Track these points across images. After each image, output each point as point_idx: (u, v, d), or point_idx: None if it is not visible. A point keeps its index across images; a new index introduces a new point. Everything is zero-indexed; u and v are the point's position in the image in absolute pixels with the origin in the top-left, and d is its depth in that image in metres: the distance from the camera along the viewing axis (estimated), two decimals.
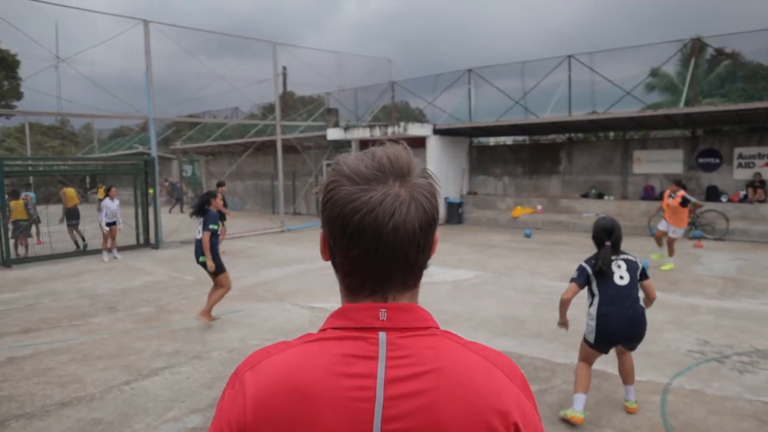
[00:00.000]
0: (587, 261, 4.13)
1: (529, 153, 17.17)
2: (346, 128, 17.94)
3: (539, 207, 15.82)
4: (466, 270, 9.88)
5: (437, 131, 16.71)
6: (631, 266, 4.02)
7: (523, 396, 0.88)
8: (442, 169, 17.02)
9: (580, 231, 14.27)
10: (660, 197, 13.95)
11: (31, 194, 14.91)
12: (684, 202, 9.38)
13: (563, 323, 4.35)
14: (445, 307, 7.35)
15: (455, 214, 16.95)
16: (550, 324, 6.36)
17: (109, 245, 12.59)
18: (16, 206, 13.17)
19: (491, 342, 5.81)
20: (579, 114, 14.42)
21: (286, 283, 9.37)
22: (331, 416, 0.81)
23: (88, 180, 34.77)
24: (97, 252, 13.11)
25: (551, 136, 18.61)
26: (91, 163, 17.28)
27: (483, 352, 0.90)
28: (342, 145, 19.47)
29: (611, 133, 17.46)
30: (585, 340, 4.14)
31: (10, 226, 12.92)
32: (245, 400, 0.84)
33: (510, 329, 6.21)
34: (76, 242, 13.70)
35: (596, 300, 4.02)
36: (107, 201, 12.43)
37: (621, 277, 3.98)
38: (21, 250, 12.96)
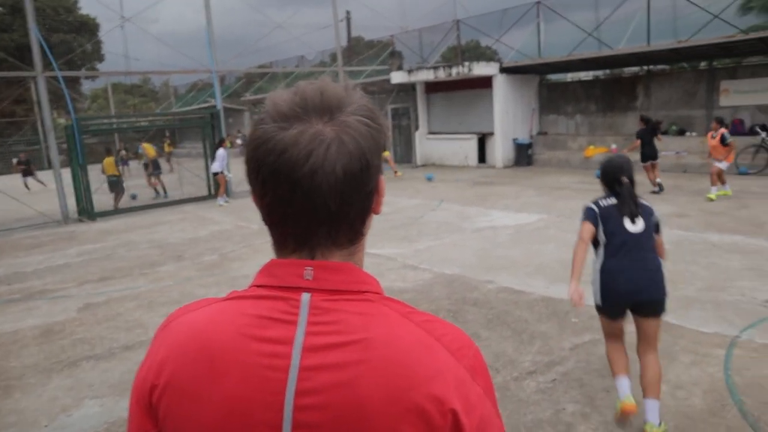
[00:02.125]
0: (594, 202, 3.32)
1: (602, 89, 16.07)
2: (410, 71, 17.48)
3: (614, 146, 14.90)
4: (529, 213, 9.54)
5: (504, 69, 15.95)
6: (646, 211, 3.22)
7: (471, 379, 0.75)
8: (510, 109, 16.33)
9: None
10: (750, 131, 12.77)
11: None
12: (723, 140, 9.63)
13: (576, 290, 3.22)
14: (503, 253, 7.14)
15: (524, 155, 16.33)
16: None
17: (212, 191, 13.65)
18: (108, 163, 14.05)
19: (547, 288, 5.60)
20: (659, 43, 13.23)
21: None
22: (238, 383, 0.72)
23: (167, 133, 36.25)
24: (173, 203, 13.78)
25: (627, 70, 17.31)
26: (161, 118, 17.85)
27: (428, 324, 0.77)
28: (406, 89, 19.07)
29: (695, 63, 16.00)
30: (596, 308, 3.39)
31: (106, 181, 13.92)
32: (155, 359, 0.78)
33: (567, 275, 5.89)
34: (156, 190, 14.43)
35: (602, 251, 3.27)
36: (221, 151, 13.19)
37: (633, 222, 3.17)
38: (116, 203, 13.86)
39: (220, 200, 13.48)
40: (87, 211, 12.61)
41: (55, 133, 12.91)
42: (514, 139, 16.46)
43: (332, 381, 0.71)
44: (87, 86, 44.38)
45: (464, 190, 12.80)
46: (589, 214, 3.30)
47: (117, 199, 13.95)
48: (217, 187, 13.70)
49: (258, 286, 0.78)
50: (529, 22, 16.39)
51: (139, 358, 4.83)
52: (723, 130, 9.73)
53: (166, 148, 26.40)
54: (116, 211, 13.14)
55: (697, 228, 7.74)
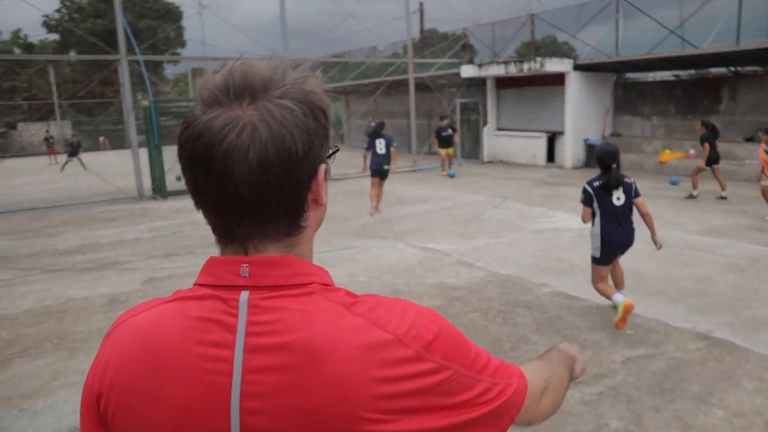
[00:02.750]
0: (588, 183, 4.64)
1: (684, 90, 15.22)
2: (481, 65, 17.20)
3: (692, 151, 14.10)
4: None
5: (578, 67, 15.40)
6: (627, 188, 4.58)
7: (425, 357, 0.70)
8: (583, 109, 15.77)
9: (739, 180, 12.55)
10: None
11: None
12: None
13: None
14: (563, 255, 6.92)
15: (594, 156, 15.74)
16: (677, 282, 5.74)
17: None
18: None
19: (600, 297, 5.37)
20: (750, 43, 12.37)
21: (406, 222, 9.41)
22: (184, 390, 0.69)
23: None
24: None
25: (712, 70, 16.33)
26: None
27: (372, 313, 0.71)
28: (476, 83, 18.77)
29: None
30: (594, 260, 4.74)
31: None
32: (101, 365, 0.75)
33: (627, 284, 5.66)
34: None
35: (598, 219, 4.63)
36: None
37: (618, 198, 4.55)
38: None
39: None
40: (160, 190, 13.22)
41: (136, 114, 13.57)
42: (585, 140, 15.90)
43: (276, 384, 0.68)
44: (169, 71, 46.34)
45: (530, 189, 12.50)
46: (586, 199, 4.65)
47: None
48: None
49: (200, 285, 0.75)
50: (608, 18, 15.73)
51: None
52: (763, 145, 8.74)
53: None
54: (187, 191, 13.67)
55: None
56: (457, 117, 18.85)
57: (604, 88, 16.25)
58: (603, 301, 5.25)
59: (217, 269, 0.74)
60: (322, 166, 0.75)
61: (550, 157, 16.73)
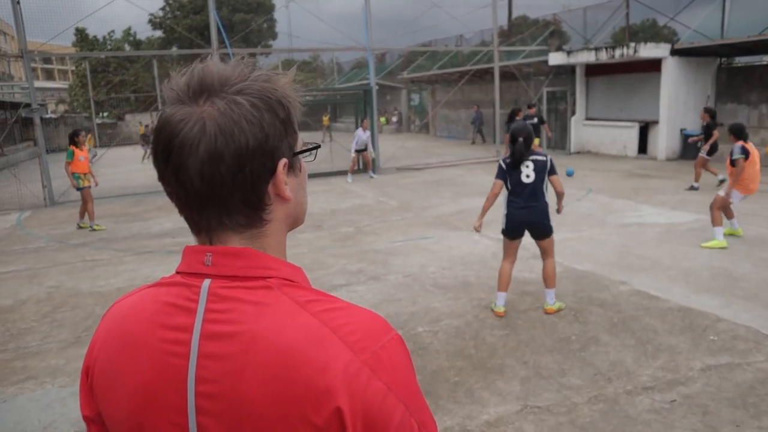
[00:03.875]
0: (503, 159, 4.84)
1: None
2: (569, 52, 16.49)
3: None
4: (685, 212, 8.61)
5: (676, 52, 14.38)
6: (539, 166, 4.65)
7: (372, 374, 0.69)
8: (680, 96, 14.74)
9: None
10: None
11: None
12: None
13: (479, 225, 5.10)
14: (646, 252, 6.52)
15: (692, 147, 14.65)
16: None
17: (360, 166, 14.31)
18: None
19: (687, 297, 5.02)
20: None
21: None
22: (147, 369, 0.75)
23: (329, 109, 38.17)
24: (328, 174, 14.56)
25: None
26: (320, 93, 18.81)
27: (327, 314, 0.72)
28: (565, 71, 18.04)
29: None
30: (502, 232, 4.92)
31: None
32: (93, 341, 0.83)
33: (716, 285, 5.26)
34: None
35: (508, 194, 4.80)
36: (359, 131, 13.71)
37: (527, 176, 4.66)
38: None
39: (349, 177, 13.86)
40: None
41: None
42: (682, 130, 14.87)
43: (223, 371, 0.70)
44: (262, 62, 48.16)
45: (617, 181, 11.88)
46: (499, 173, 4.81)
47: None
48: (364, 164, 14.23)
49: (177, 272, 0.78)
50: None
51: None
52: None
53: (325, 121, 27.87)
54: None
55: None
56: (544, 106, 18.20)
57: (705, 73, 15.09)
58: (687, 302, 4.91)
59: (188, 258, 0.78)
60: (283, 160, 0.76)
61: (642, 148, 15.80)
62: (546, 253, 4.86)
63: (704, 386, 3.51)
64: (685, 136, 14.80)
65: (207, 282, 0.74)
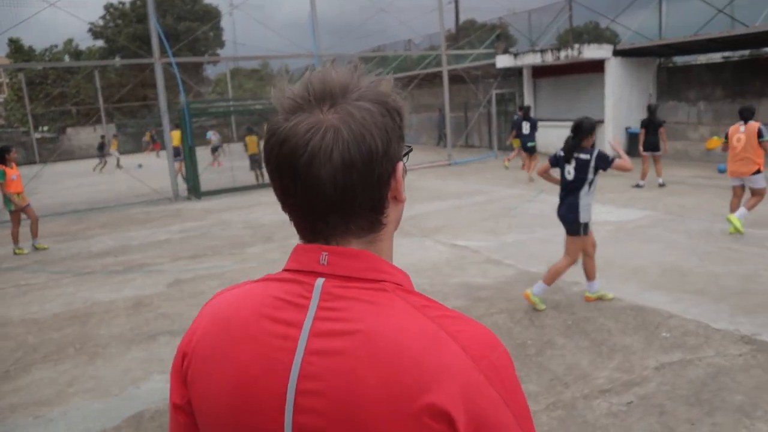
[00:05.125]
0: (558, 151, 4.94)
1: (732, 72, 14.37)
2: (516, 55, 16.72)
3: None
4: (635, 209, 8.77)
5: (618, 52, 14.75)
6: (580, 164, 4.71)
7: (486, 384, 0.69)
8: (624, 96, 15.12)
9: None
10: None
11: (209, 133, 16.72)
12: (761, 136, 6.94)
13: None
14: (598, 252, 6.53)
15: (636, 145, 15.08)
16: (721, 279, 5.33)
17: None
18: (251, 141, 15.10)
19: (639, 295, 5.05)
20: None
21: (436, 218, 9.18)
22: (249, 361, 0.75)
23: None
24: None
25: (765, 50, 15.40)
26: (262, 102, 18.52)
27: (444, 319, 0.73)
28: (512, 73, 18.29)
29: None
30: (586, 228, 4.91)
31: (247, 160, 15.04)
32: (193, 328, 0.83)
33: (666, 281, 5.32)
34: (257, 178, 15.11)
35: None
36: None
37: (569, 173, 4.79)
38: (260, 180, 14.68)
39: None
40: (194, 190, 13.37)
41: (170, 116, 13.75)
42: (627, 128, 15.26)
43: (332, 368, 0.70)
44: (210, 71, 47.10)
45: None
46: (551, 157, 5.00)
47: (261, 174, 14.79)
48: None
49: (286, 270, 0.79)
50: (650, 0, 15.03)
51: None
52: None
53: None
54: (220, 191, 13.80)
55: None
56: (493, 108, 18.39)
57: (647, 73, 15.55)
58: (639, 300, 4.93)
59: (301, 256, 0.78)
60: (400, 164, 0.78)
61: None
62: (564, 251, 4.90)
63: (659, 385, 3.49)
64: (630, 135, 15.19)
65: (321, 280, 0.75)
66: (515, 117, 14.78)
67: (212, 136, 22.57)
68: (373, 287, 0.74)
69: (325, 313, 0.73)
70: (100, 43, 37.99)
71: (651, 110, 10.79)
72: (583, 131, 4.68)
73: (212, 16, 39.55)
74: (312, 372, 0.71)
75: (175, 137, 15.19)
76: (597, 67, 15.08)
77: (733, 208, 7.09)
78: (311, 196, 0.73)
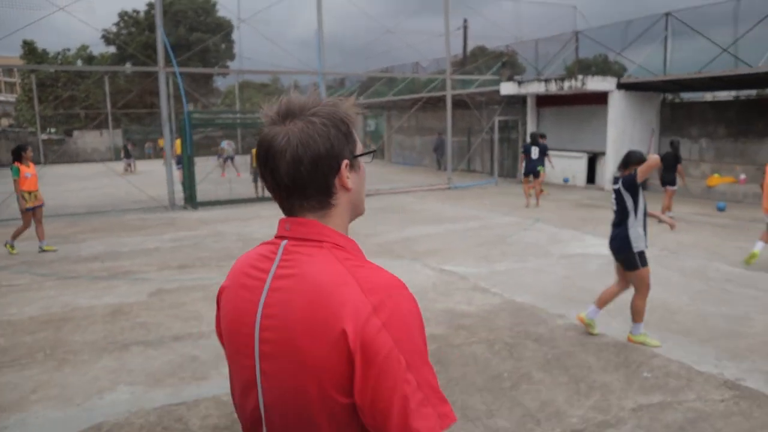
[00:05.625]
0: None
1: (736, 111, 14.37)
2: (520, 83, 16.77)
3: (743, 176, 13.29)
4: None
5: (622, 86, 14.78)
6: (616, 195, 4.70)
7: (373, 313, 0.94)
8: (627, 129, 15.11)
9: None
10: None
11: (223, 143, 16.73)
12: None
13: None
14: (587, 284, 6.46)
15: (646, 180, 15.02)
16: (710, 320, 5.22)
17: None
18: (256, 154, 15.07)
19: (624, 332, 4.92)
20: None
21: (428, 241, 9.09)
22: (240, 298, 1.09)
23: None
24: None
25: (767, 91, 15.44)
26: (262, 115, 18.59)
27: (356, 269, 1.00)
28: (517, 101, 18.33)
29: None
30: (643, 257, 4.70)
31: (251, 171, 15.18)
32: (227, 278, 1.19)
33: (653, 319, 5.19)
34: (256, 190, 15.10)
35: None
36: None
37: (613, 204, 4.79)
38: (261, 193, 14.69)
39: None
40: (191, 200, 13.32)
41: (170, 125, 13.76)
42: None
43: (280, 300, 1.02)
44: (221, 83, 47.38)
45: (564, 211, 11.98)
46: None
47: (260, 187, 14.71)
48: None
49: (276, 237, 1.11)
50: (656, 36, 15.09)
51: (184, 350, 4.87)
52: None
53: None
54: (218, 202, 13.76)
55: None
56: (496, 135, 18.39)
57: (650, 108, 15.56)
58: (623, 337, 4.81)
59: (279, 227, 1.10)
60: (345, 161, 1.05)
61: (591, 178, 16.10)
62: (634, 288, 4.71)
63: (634, 428, 3.36)
64: None
65: (284, 242, 1.07)
66: (526, 145, 14.81)
67: (226, 145, 22.64)
68: (314, 246, 1.04)
69: (283, 264, 1.04)
70: (112, 49, 38.34)
71: (674, 146, 10.79)
72: (628, 161, 4.66)
73: (224, 29, 39.98)
74: (269, 303, 1.03)
75: (178, 146, 15.23)
76: (601, 99, 15.11)
77: (764, 239, 7.15)
78: (275, 182, 1.05)
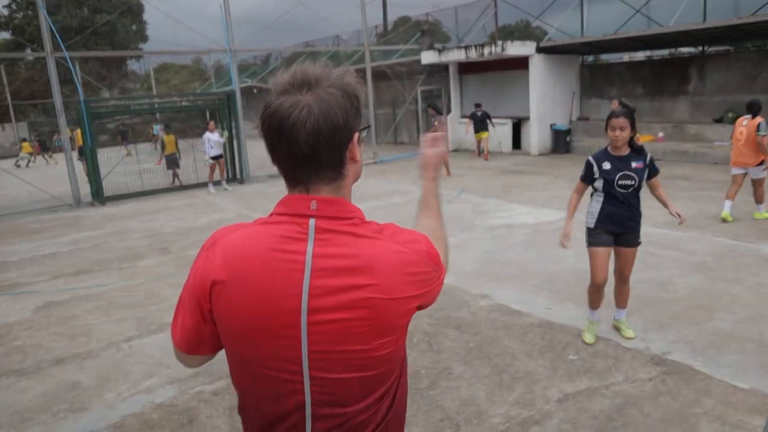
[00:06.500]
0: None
1: (650, 71, 14.60)
2: (440, 51, 16.41)
3: (660, 134, 13.53)
4: (554, 209, 8.50)
5: (542, 50, 14.69)
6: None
7: (424, 264, 1.12)
8: (548, 93, 15.09)
9: (708, 163, 11.98)
10: None
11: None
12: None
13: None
14: (512, 258, 6.20)
15: (562, 142, 15.10)
16: (637, 288, 5.02)
17: (217, 177, 13.11)
18: (169, 141, 14.21)
19: (549, 309, 4.67)
20: (716, 21, 11.76)
21: None
22: (268, 281, 1.06)
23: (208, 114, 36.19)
24: (193, 186, 13.39)
25: (679, 50, 15.76)
26: (177, 100, 17.40)
27: (394, 236, 1.11)
28: (438, 70, 17.99)
29: (759, 43, 14.34)
30: None
31: (164, 160, 14.29)
32: (215, 261, 1.10)
33: (579, 291, 4.94)
34: (173, 178, 14.19)
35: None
36: (208, 134, 12.59)
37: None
38: (176, 181, 14.07)
39: (212, 188, 13.01)
40: (97, 195, 12.29)
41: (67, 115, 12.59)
42: (552, 125, 15.24)
43: (334, 275, 1.05)
44: (137, 67, 44.61)
45: (490, 179, 11.80)
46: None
47: (176, 175, 14.19)
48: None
49: (278, 214, 1.11)
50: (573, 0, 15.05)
51: (64, 376, 4.24)
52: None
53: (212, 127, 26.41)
54: (127, 195, 12.76)
55: (747, 236, 6.56)
56: (418, 105, 18.05)
57: (570, 71, 15.59)
58: (549, 315, 4.55)
59: (293, 203, 1.10)
60: (356, 134, 1.12)
61: (516, 144, 16.07)
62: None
63: (560, 423, 3.07)
64: (555, 132, 15.18)
65: (313, 220, 1.08)
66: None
67: (159, 131, 21.08)
68: (348, 222, 1.10)
69: (320, 242, 1.07)
70: (5, 35, 35.24)
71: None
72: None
73: (135, 10, 37.50)
74: (319, 283, 1.05)
75: (169, 143, 14.14)
76: (522, 64, 14.98)
77: (730, 196, 7.28)
78: (291, 152, 1.06)
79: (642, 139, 13.66)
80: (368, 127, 1.20)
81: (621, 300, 4.13)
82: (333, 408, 1.09)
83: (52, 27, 11.38)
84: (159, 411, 3.58)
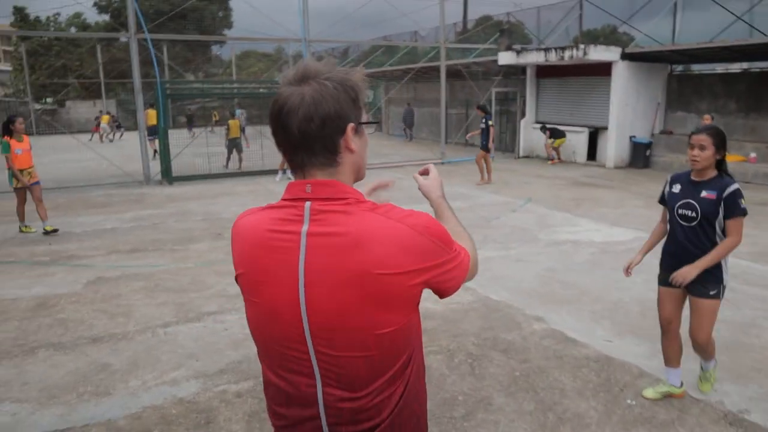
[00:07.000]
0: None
1: (747, 84, 13.41)
2: (519, 52, 15.79)
3: (752, 155, 12.42)
4: (626, 228, 7.89)
5: (627, 56, 13.83)
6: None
7: (419, 235, 1.14)
8: (630, 102, 14.20)
9: None
10: None
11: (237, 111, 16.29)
12: None
13: None
14: (574, 278, 5.73)
15: (641, 156, 14.19)
16: (720, 330, 4.48)
17: (285, 166, 13.04)
18: (233, 125, 14.51)
19: (609, 342, 4.21)
20: None
21: None
22: (267, 258, 1.16)
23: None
24: (258, 173, 13.55)
25: None
26: (247, 86, 17.64)
27: (389, 212, 1.14)
28: (515, 72, 17.35)
29: None
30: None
31: (227, 143, 14.60)
32: (233, 252, 1.25)
33: (645, 325, 4.46)
34: (227, 162, 14.46)
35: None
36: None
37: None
38: (229, 166, 14.39)
39: (278, 176, 13.01)
40: (166, 174, 12.61)
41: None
42: (632, 137, 14.34)
43: (326, 254, 1.11)
44: (221, 52, 46.03)
45: (560, 190, 11.19)
46: None
47: (240, 159, 14.51)
48: None
49: (283, 200, 1.18)
50: (665, 3, 14.07)
51: (97, 355, 4.19)
52: None
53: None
54: (194, 177, 13.02)
55: None
56: (492, 108, 17.48)
57: (656, 80, 14.60)
58: (607, 350, 4.10)
59: (292, 189, 1.17)
60: (350, 125, 1.16)
61: (591, 154, 15.25)
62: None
63: None
64: (634, 144, 14.29)
65: (308, 203, 1.14)
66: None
67: (240, 115, 21.71)
68: (342, 203, 1.14)
69: (315, 222, 1.13)
70: (105, 17, 37.18)
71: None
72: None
73: None
74: (313, 259, 1.11)
75: (150, 116, 14.46)
76: (604, 70, 14.17)
77: None
78: (286, 138, 1.15)
79: (730, 160, 12.60)
80: (375, 122, 1.26)
81: (701, 355, 3.47)
82: (342, 391, 1.15)
83: (137, 9, 11.71)
84: (179, 407, 3.44)
